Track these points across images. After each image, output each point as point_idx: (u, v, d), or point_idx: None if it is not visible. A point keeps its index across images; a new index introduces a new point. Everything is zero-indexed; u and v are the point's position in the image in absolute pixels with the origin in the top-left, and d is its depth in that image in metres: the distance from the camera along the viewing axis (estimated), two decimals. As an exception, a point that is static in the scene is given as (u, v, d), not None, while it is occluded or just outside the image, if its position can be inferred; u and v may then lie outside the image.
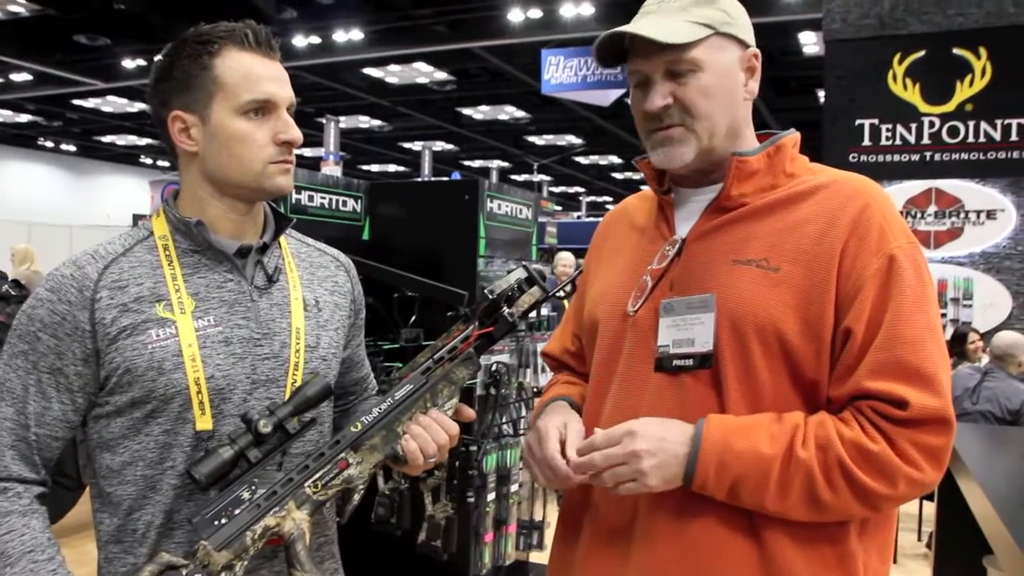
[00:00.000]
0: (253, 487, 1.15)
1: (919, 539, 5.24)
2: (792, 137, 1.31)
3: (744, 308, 1.19)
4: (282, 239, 1.39)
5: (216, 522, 1.12)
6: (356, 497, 1.21)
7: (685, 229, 1.31)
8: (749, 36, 1.28)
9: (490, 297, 1.28)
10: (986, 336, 5.53)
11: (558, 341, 1.54)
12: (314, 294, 1.38)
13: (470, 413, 1.33)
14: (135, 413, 1.22)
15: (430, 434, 1.24)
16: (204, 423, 1.22)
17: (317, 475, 1.18)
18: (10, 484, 1.20)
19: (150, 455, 1.23)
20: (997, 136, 6.02)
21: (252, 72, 1.24)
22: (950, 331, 6.15)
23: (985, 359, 5.42)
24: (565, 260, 7.81)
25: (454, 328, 1.32)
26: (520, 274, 1.31)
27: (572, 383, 1.46)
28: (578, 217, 29.22)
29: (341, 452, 1.20)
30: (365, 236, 3.07)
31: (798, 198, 1.24)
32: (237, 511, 1.13)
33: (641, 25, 1.24)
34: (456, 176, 21.32)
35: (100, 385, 1.23)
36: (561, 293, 1.40)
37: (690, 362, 1.22)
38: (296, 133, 1.28)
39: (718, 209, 1.28)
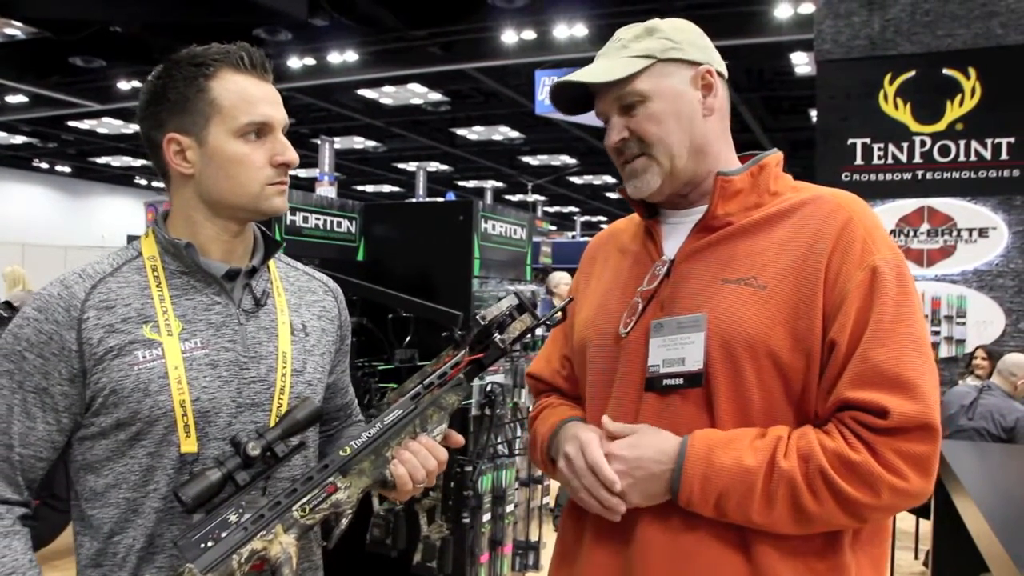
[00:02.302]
0: (240, 510, 1.13)
1: (916, 557, 5.23)
2: (775, 156, 1.34)
3: (734, 326, 1.20)
4: (271, 263, 1.39)
5: (202, 545, 1.10)
6: (343, 522, 1.20)
7: (673, 250, 1.33)
8: (701, 55, 1.31)
9: (481, 324, 1.28)
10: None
11: (546, 363, 1.54)
12: (301, 319, 1.38)
13: (459, 439, 1.32)
14: (120, 435, 1.21)
15: (419, 460, 1.24)
16: (189, 446, 1.21)
17: (305, 499, 1.17)
18: None
19: (133, 477, 1.22)
20: (988, 155, 6.06)
21: (248, 95, 1.25)
22: (944, 348, 6.17)
23: (972, 380, 5.45)
24: (565, 280, 7.78)
25: (444, 353, 1.32)
26: (511, 301, 1.31)
27: (571, 407, 1.46)
28: (572, 237, 29.26)
29: (330, 476, 1.19)
30: (360, 257, 3.08)
31: (782, 215, 1.27)
32: (224, 534, 1.11)
33: (582, 71, 1.31)
34: (451, 196, 21.38)
35: (86, 406, 1.22)
36: (552, 320, 1.41)
37: (680, 381, 1.23)
38: (292, 155, 1.28)
39: (705, 229, 1.30)
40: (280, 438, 1.18)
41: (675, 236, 1.34)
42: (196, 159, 1.26)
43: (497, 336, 1.29)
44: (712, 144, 1.32)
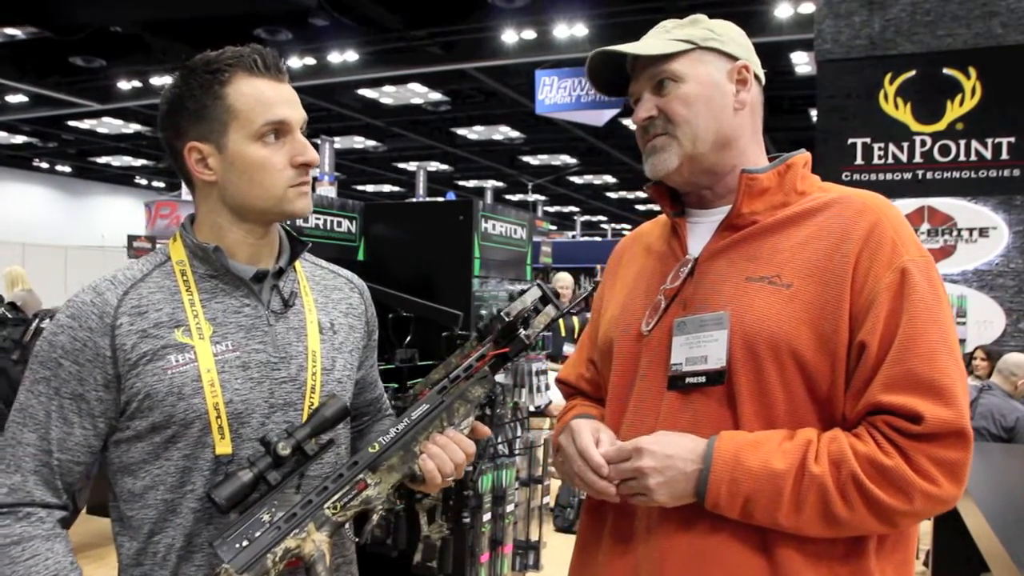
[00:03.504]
0: (273, 509, 1.16)
1: (916, 557, 5.22)
2: (802, 156, 1.33)
3: (757, 325, 1.19)
4: (296, 263, 1.40)
5: (237, 545, 1.12)
6: (375, 517, 1.23)
7: (697, 248, 1.32)
8: (738, 50, 1.32)
9: (506, 319, 1.29)
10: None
11: (573, 367, 1.55)
12: (329, 317, 1.39)
13: (486, 431, 1.35)
14: (155, 438, 1.23)
15: (447, 453, 1.26)
16: (224, 447, 1.23)
17: (336, 496, 1.19)
18: (33, 509, 1.21)
19: (170, 479, 1.24)
20: (988, 154, 6.06)
21: (264, 97, 1.25)
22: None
23: (971, 380, 5.44)
24: (564, 282, 7.77)
25: (468, 347, 1.34)
26: (535, 293, 1.32)
27: (591, 406, 1.46)
28: (573, 237, 29.28)
29: (360, 473, 1.21)
30: (360, 257, 3.07)
31: (808, 214, 1.26)
32: (258, 533, 1.14)
33: (623, 45, 1.32)
34: (451, 196, 21.38)
35: (120, 410, 1.24)
36: (575, 310, 1.45)
37: (702, 379, 1.22)
38: (313, 154, 1.29)
39: (729, 227, 1.29)
40: (309, 436, 1.20)
41: (700, 234, 1.34)
42: (217, 166, 1.26)
43: (522, 332, 1.30)
44: (739, 139, 1.31)
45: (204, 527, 1.24)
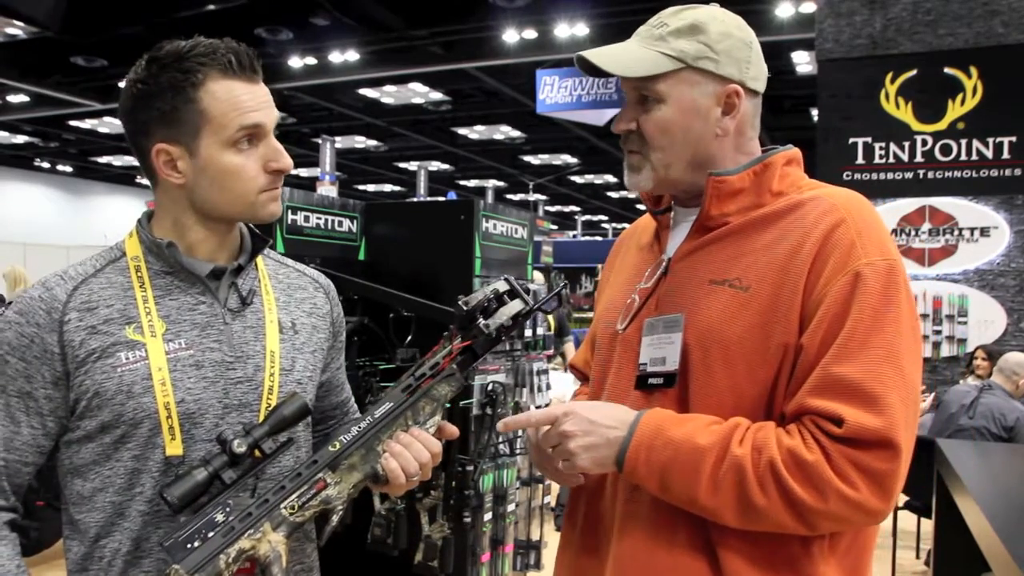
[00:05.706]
0: (227, 509, 1.11)
1: (917, 556, 5.23)
2: (783, 154, 1.29)
3: (709, 329, 1.19)
4: (259, 260, 1.36)
5: (189, 545, 1.08)
6: (334, 518, 1.18)
7: (674, 248, 1.32)
8: (735, 70, 1.25)
9: (464, 309, 1.25)
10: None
11: (582, 353, 1.58)
12: (291, 316, 1.35)
13: (453, 431, 1.29)
14: (105, 438, 1.20)
15: (411, 452, 1.20)
16: (174, 448, 1.19)
17: (294, 496, 1.14)
18: None
19: (119, 481, 1.20)
20: (989, 154, 6.07)
21: (239, 101, 1.20)
22: (946, 347, 6.17)
23: (972, 380, 5.45)
24: (534, 280, 7.66)
25: (438, 347, 1.30)
26: (501, 286, 1.27)
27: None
28: (574, 236, 29.28)
29: (318, 472, 1.17)
30: (361, 256, 3.07)
31: (776, 216, 1.23)
32: (211, 533, 1.09)
33: (608, 53, 1.27)
34: (452, 196, 21.36)
35: (71, 409, 1.20)
36: (547, 307, 1.41)
37: (660, 380, 1.23)
38: (287, 161, 1.25)
39: (701, 228, 1.28)
40: (268, 435, 1.15)
41: (679, 234, 1.33)
42: (188, 169, 1.22)
43: (481, 321, 1.24)
44: (718, 159, 1.27)
45: (152, 531, 1.20)
